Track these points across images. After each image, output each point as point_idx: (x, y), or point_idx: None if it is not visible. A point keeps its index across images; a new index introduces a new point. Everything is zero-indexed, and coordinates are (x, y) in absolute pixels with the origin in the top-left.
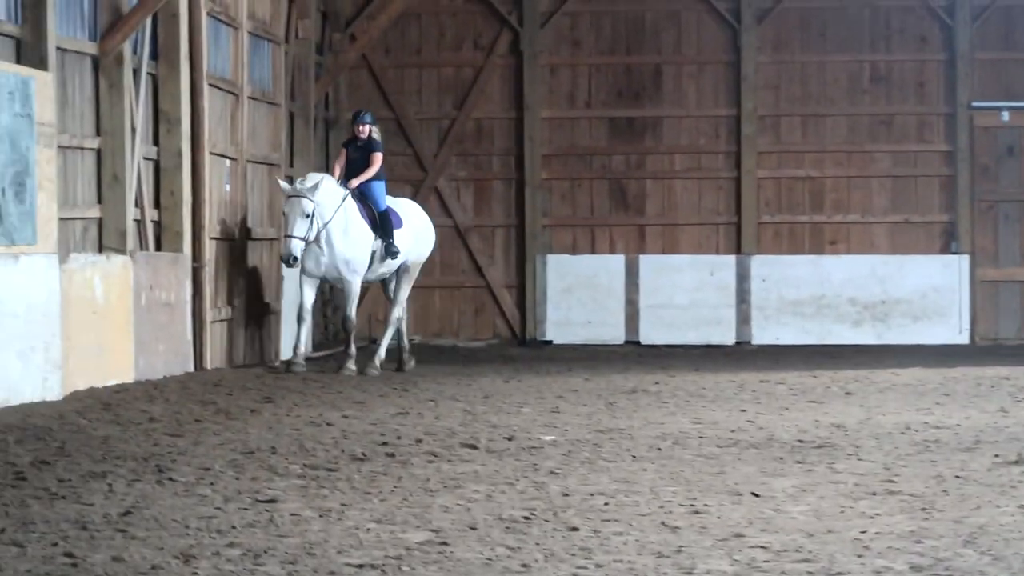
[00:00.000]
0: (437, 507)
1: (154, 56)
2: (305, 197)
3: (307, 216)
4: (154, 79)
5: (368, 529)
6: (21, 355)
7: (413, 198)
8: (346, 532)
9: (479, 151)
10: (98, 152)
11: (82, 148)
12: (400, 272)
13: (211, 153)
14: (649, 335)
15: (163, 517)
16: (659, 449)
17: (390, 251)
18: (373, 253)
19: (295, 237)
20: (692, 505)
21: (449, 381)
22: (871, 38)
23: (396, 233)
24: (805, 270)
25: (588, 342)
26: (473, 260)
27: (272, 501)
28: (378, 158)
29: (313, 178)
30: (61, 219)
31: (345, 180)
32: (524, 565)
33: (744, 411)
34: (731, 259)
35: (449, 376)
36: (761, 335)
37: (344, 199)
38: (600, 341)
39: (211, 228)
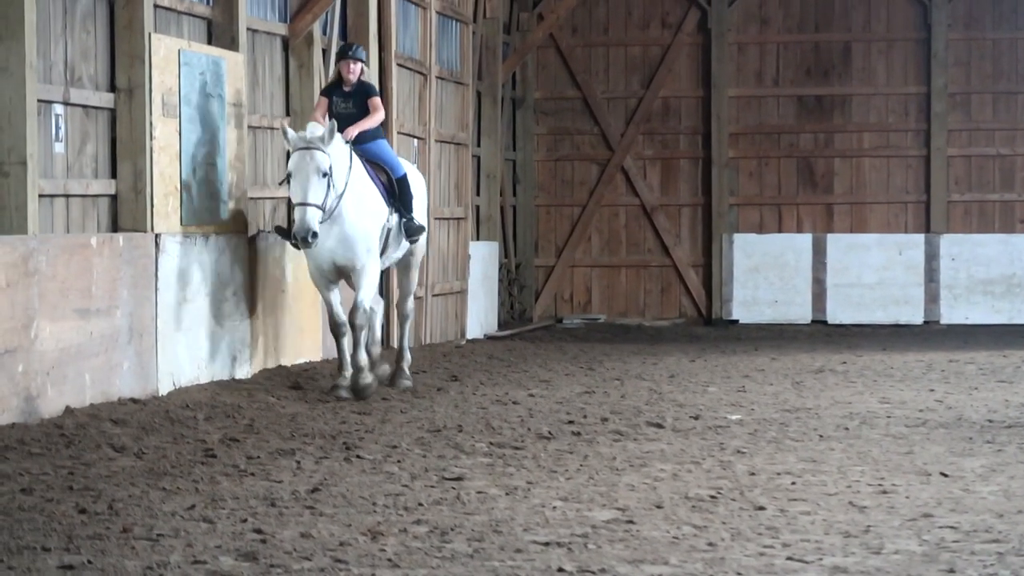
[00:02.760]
0: (623, 486)
1: (343, 36)
2: (320, 150)
3: (324, 175)
4: None
5: (554, 507)
6: (212, 334)
7: (599, 177)
8: (532, 510)
9: (666, 130)
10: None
11: (272, 128)
12: (406, 256)
13: (399, 132)
14: (836, 314)
15: (351, 494)
16: (846, 429)
17: (411, 229)
18: (388, 232)
19: (311, 205)
20: (880, 485)
21: (635, 360)
22: None
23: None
24: (995, 249)
25: (774, 321)
26: (659, 239)
27: (459, 479)
28: (380, 105)
29: (316, 127)
30: (251, 199)
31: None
32: (710, 544)
33: (933, 391)
34: (920, 238)
35: (635, 355)
36: (950, 314)
37: (351, 159)
38: (787, 320)
39: None
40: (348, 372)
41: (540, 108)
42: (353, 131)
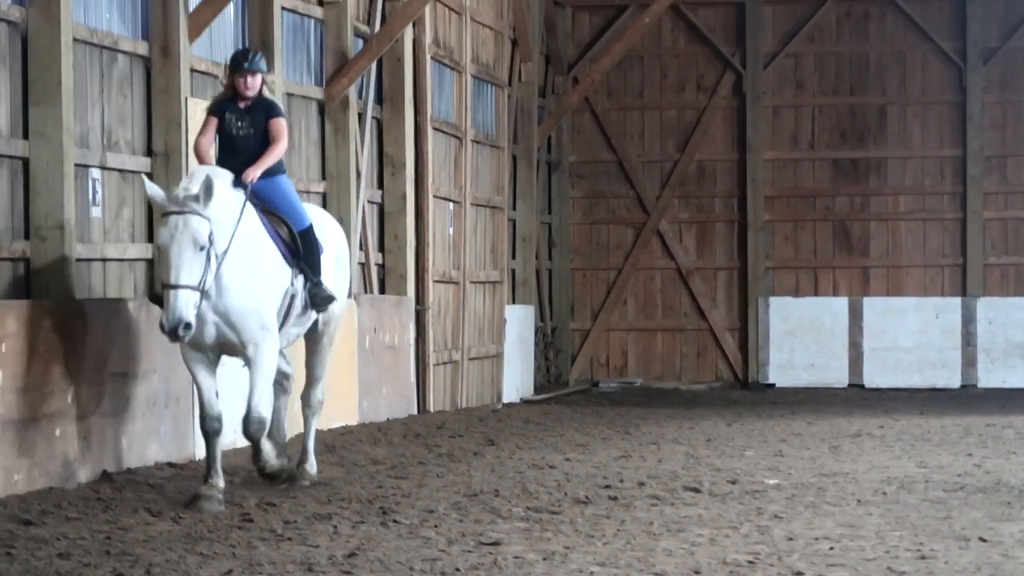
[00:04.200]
0: (660, 551)
1: (379, 100)
2: (196, 214)
3: (201, 248)
4: (379, 123)
5: (591, 572)
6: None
7: (635, 241)
8: (569, 575)
9: (701, 193)
10: (324, 195)
11: (308, 191)
12: (315, 330)
13: (435, 196)
14: (873, 378)
15: (388, 559)
16: (884, 493)
17: (317, 297)
18: (291, 299)
19: (184, 287)
20: (918, 550)
21: (671, 424)
22: None
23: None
24: None
25: (811, 385)
26: (695, 302)
27: (496, 544)
28: (284, 129)
29: (200, 177)
30: None
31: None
32: None
33: (970, 455)
34: (956, 301)
35: (671, 419)
36: (987, 378)
37: (243, 208)
38: (823, 384)
39: (434, 271)
40: (218, 480)
41: (575, 171)
42: (254, 173)
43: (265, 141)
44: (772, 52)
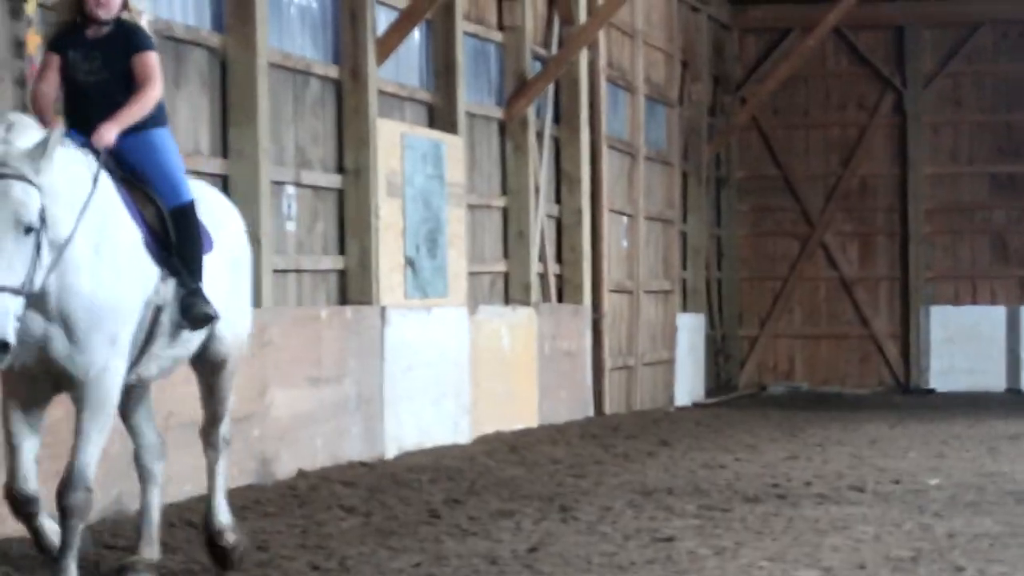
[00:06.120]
0: (827, 547)
1: (556, 120)
2: (21, 178)
3: (28, 229)
4: (556, 141)
5: (761, 567)
6: (434, 401)
7: (800, 252)
8: (740, 569)
9: (863, 207)
10: (504, 210)
11: (489, 206)
12: (209, 358)
13: (609, 210)
14: None
15: (567, 553)
16: None
17: (194, 311)
18: (157, 311)
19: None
20: None
21: (835, 426)
22: None
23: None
24: None
25: (970, 389)
26: (858, 311)
27: (669, 539)
28: (155, 69)
29: (29, 127)
30: (470, 273)
31: (77, 130)
32: None
33: None
34: None
35: (835, 422)
36: None
37: (95, 180)
38: (981, 388)
39: (609, 281)
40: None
41: (743, 186)
42: (109, 132)
43: (128, 87)
44: (932, 72)
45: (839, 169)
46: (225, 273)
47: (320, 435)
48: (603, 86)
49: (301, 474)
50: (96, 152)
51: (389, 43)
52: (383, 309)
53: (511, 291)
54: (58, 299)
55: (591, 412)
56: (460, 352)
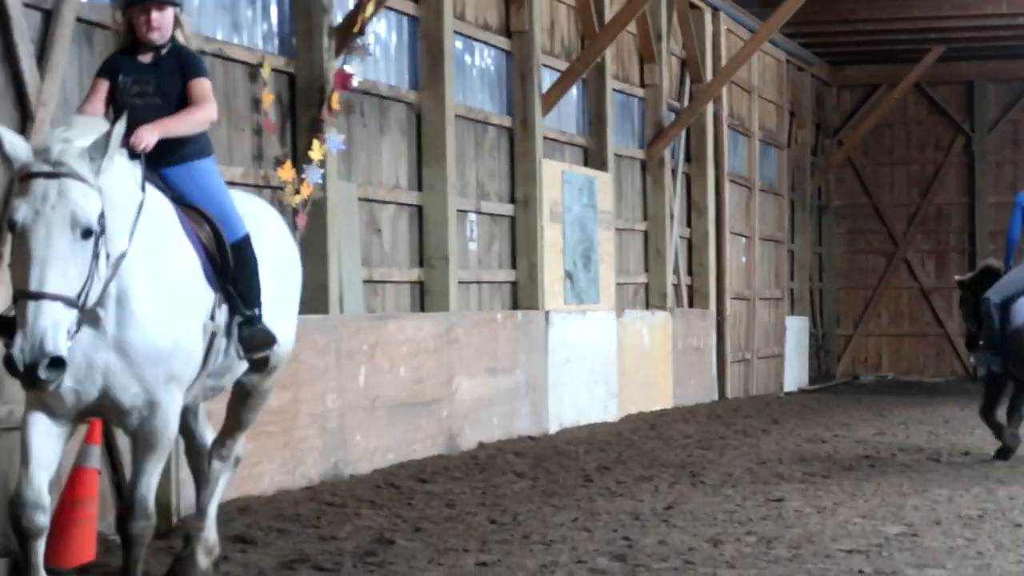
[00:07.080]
0: (909, 506)
1: (687, 159)
2: (78, 178)
3: (86, 233)
4: (687, 177)
5: (855, 523)
6: (588, 387)
7: (886, 267)
8: (838, 525)
9: (939, 229)
10: (645, 233)
11: (633, 230)
12: (249, 386)
13: (731, 233)
14: None
15: (697, 511)
16: None
17: (251, 338)
18: (211, 338)
19: (51, 297)
20: None
21: (916, 408)
22: None
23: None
24: None
25: None
26: (935, 315)
27: (780, 500)
28: (209, 92)
29: (89, 126)
30: (617, 284)
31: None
32: (979, 553)
33: None
34: None
35: (916, 405)
36: None
37: (142, 187)
38: None
39: (730, 290)
40: None
41: (839, 213)
42: (152, 134)
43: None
44: (995, 119)
45: (918, 199)
46: (272, 284)
47: (496, 415)
48: (725, 132)
49: (481, 446)
50: (136, 156)
51: (552, 98)
52: (547, 313)
53: (651, 298)
54: (116, 324)
55: (715, 396)
56: (609, 348)
